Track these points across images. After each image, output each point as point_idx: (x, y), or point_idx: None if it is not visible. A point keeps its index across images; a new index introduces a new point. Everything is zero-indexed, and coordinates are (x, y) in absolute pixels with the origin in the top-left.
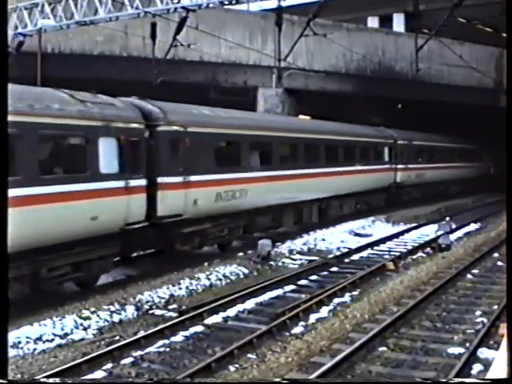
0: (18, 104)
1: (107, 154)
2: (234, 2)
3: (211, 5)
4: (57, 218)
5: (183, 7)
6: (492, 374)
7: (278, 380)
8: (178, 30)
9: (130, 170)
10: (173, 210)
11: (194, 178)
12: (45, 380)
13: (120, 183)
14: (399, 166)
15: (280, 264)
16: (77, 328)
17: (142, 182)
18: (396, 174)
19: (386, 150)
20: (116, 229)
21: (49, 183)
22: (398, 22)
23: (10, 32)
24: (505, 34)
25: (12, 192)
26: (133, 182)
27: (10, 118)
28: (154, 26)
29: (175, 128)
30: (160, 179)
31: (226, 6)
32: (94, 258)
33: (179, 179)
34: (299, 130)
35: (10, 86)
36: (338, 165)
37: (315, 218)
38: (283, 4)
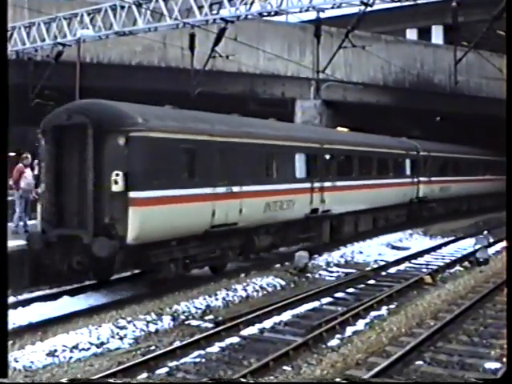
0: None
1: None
2: (272, 13)
3: (250, 16)
4: None
5: (222, 18)
6: None
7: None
8: (217, 41)
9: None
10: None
11: None
12: (47, 381)
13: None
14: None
15: (317, 276)
16: (113, 337)
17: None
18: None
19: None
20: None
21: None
22: (437, 34)
23: (50, 42)
24: None
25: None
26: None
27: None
28: (192, 36)
29: None
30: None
31: (264, 18)
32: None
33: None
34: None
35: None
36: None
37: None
38: (322, 16)
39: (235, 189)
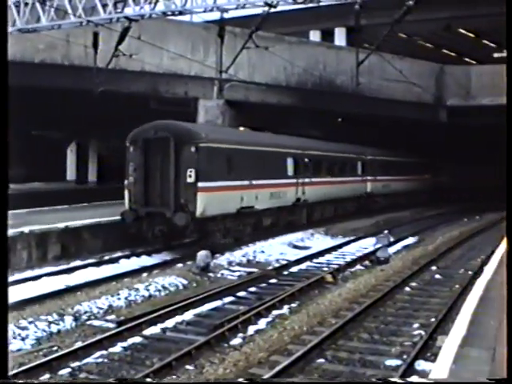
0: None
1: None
2: (176, 13)
3: (154, 15)
4: None
5: (126, 17)
6: None
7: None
8: (120, 40)
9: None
10: None
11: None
12: (44, 380)
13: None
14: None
15: (219, 275)
16: (14, 338)
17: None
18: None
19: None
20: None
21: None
22: (340, 36)
23: None
24: (445, 51)
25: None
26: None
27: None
28: (96, 35)
29: None
30: None
31: (168, 17)
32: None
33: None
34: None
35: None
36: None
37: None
38: (226, 16)
39: (254, 182)
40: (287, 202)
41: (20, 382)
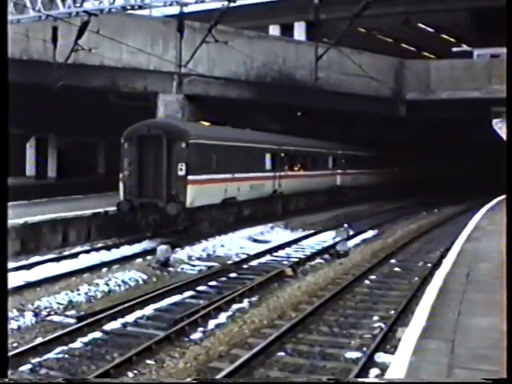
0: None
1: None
2: (136, 7)
3: (113, 9)
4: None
5: (85, 11)
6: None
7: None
8: (80, 34)
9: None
10: None
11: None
12: (45, 380)
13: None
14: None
15: (179, 270)
16: None
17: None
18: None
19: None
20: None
21: None
22: (299, 31)
23: None
24: (404, 45)
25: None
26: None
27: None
28: (55, 29)
29: None
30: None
31: (128, 11)
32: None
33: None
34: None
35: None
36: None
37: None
38: (185, 10)
39: (236, 175)
40: (265, 193)
41: (20, 382)
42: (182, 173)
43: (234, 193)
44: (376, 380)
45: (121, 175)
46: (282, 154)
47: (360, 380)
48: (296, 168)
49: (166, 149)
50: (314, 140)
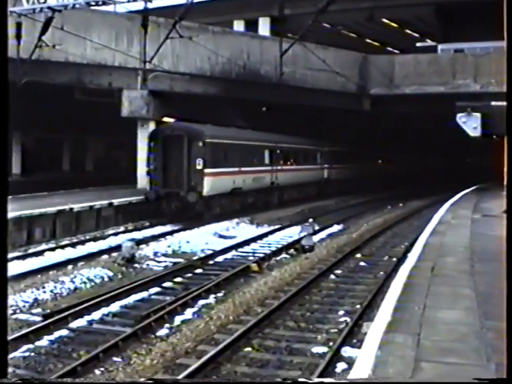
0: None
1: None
2: (100, 3)
3: (77, 5)
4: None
5: (49, 7)
6: (355, 372)
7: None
8: (44, 31)
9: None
10: None
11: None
12: (44, 379)
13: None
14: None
15: (144, 266)
16: None
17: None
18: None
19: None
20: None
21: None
22: (264, 26)
23: None
24: (368, 40)
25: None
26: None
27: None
28: (19, 25)
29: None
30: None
31: (92, 7)
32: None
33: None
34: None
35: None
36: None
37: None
38: (149, 6)
39: (242, 169)
40: (265, 184)
41: (20, 382)
42: (199, 167)
43: (240, 184)
44: (375, 380)
45: (147, 169)
46: (278, 151)
47: (360, 380)
48: (289, 163)
49: (186, 147)
50: (305, 138)
